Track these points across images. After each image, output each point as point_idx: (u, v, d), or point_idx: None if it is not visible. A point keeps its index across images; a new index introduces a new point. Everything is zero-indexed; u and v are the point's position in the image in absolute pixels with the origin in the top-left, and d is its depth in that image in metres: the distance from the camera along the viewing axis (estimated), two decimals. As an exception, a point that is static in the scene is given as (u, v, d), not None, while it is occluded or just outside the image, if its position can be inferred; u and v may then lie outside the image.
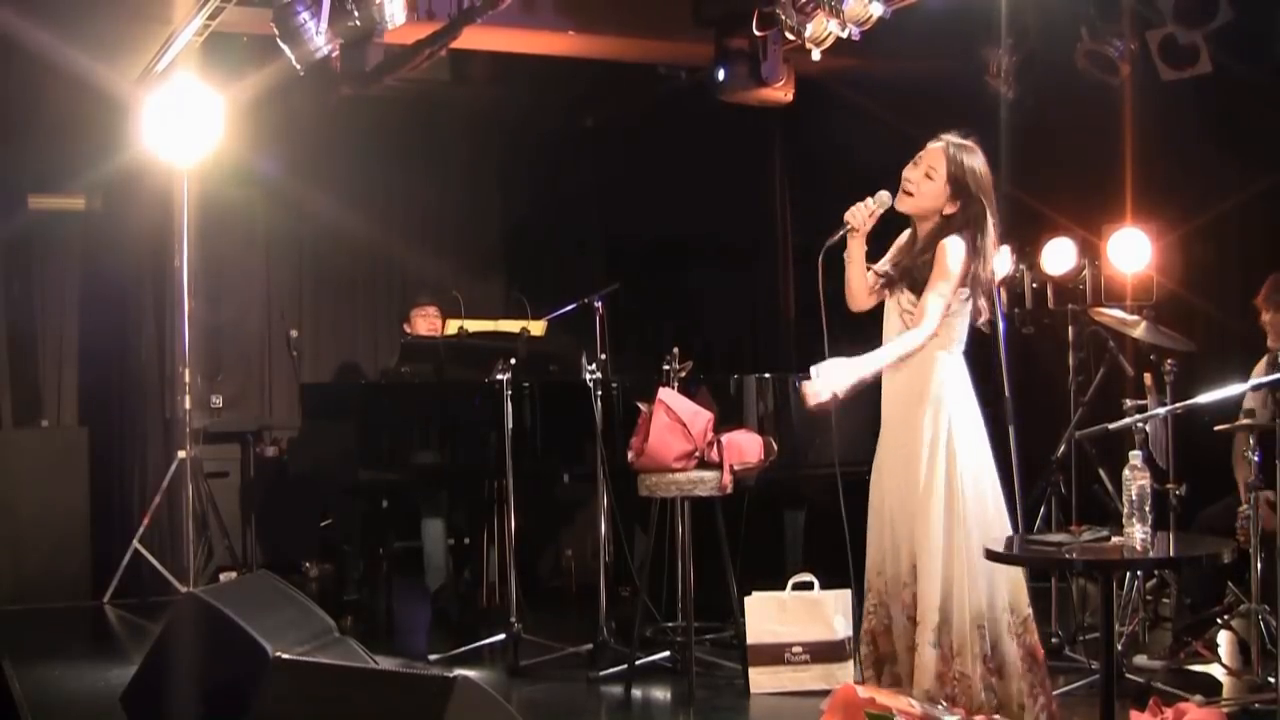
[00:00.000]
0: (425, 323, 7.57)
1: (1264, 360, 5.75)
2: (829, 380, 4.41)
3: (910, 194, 4.53)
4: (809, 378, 4.46)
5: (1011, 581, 4.43)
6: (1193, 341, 6.01)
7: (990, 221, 4.49)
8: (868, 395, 6.40)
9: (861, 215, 4.54)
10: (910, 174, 4.54)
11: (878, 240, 4.69)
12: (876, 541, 4.57)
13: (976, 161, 4.52)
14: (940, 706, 4.23)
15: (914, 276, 4.50)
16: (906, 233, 4.66)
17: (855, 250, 4.62)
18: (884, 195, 4.56)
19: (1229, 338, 6.68)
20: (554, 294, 6.99)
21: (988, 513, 4.43)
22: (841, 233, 4.56)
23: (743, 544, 6.26)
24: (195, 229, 7.83)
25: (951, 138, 4.53)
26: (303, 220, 8.99)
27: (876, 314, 4.69)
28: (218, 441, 8.42)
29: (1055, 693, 5.13)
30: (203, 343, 8.22)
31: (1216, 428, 5.27)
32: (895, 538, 4.48)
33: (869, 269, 4.65)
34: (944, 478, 4.40)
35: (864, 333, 4.74)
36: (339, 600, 7.31)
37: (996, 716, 4.36)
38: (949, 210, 4.49)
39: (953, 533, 4.35)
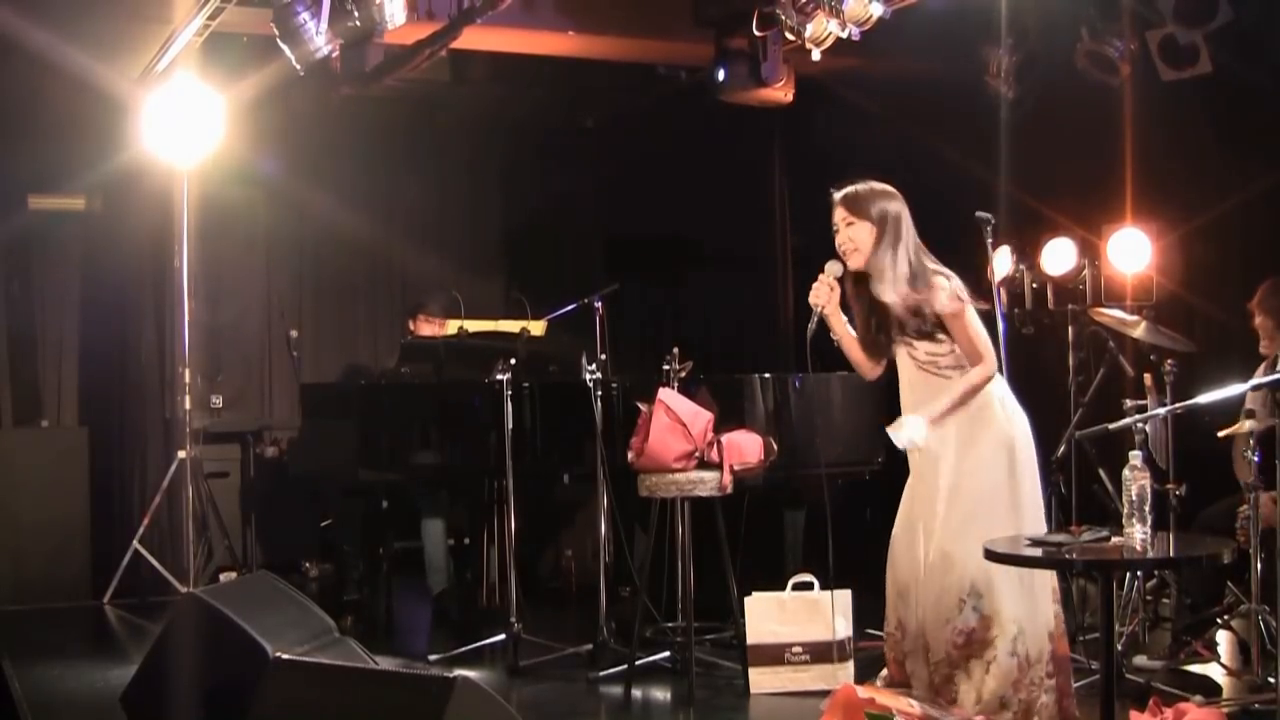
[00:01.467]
0: (430, 328, 7.58)
1: (1262, 366, 5.75)
2: (912, 433, 4.42)
3: (854, 250, 4.56)
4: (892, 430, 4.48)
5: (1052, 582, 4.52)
6: (1193, 342, 6.01)
7: (906, 220, 4.55)
8: (867, 397, 6.44)
9: (823, 292, 4.57)
10: (838, 239, 4.59)
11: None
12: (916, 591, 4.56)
13: (880, 196, 4.58)
14: (940, 706, 4.23)
15: (913, 326, 4.52)
16: (854, 298, 4.66)
17: (838, 327, 4.67)
18: (834, 264, 4.60)
19: (1229, 338, 6.68)
20: (554, 294, 6.99)
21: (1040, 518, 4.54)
22: (815, 317, 4.59)
23: (742, 544, 6.26)
24: (195, 229, 7.83)
25: (843, 187, 4.61)
26: (303, 220, 8.99)
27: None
28: (218, 442, 8.42)
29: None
30: (203, 343, 8.21)
31: (1220, 433, 5.27)
32: (955, 555, 4.46)
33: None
34: (1013, 490, 4.45)
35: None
36: (339, 600, 7.31)
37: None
38: (885, 240, 4.52)
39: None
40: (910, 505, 4.61)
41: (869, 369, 4.69)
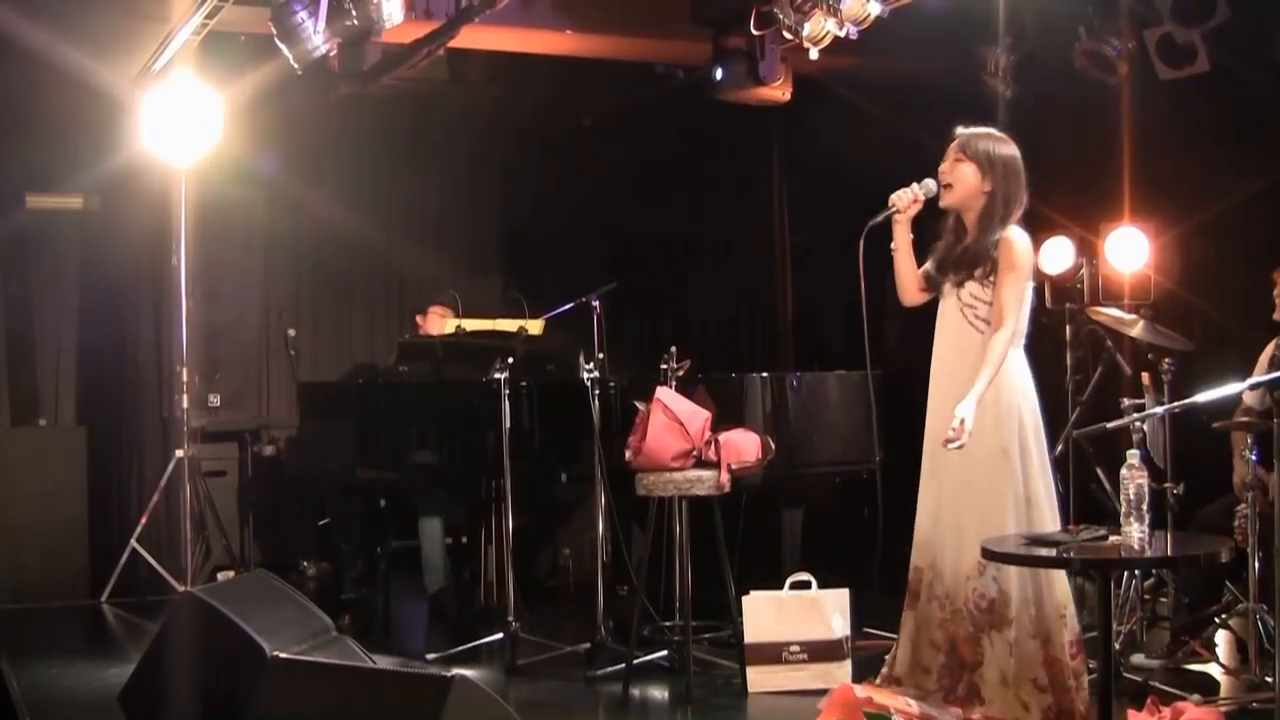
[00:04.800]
0: (440, 324, 7.57)
1: (1273, 342, 5.73)
2: (966, 421, 4.37)
3: (949, 185, 4.59)
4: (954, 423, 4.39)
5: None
6: (1190, 341, 6.01)
7: (1014, 170, 4.59)
8: (864, 396, 6.43)
9: (906, 198, 4.59)
10: (943, 168, 4.63)
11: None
12: (940, 542, 4.59)
13: (999, 144, 4.61)
14: (940, 705, 4.24)
15: (974, 265, 4.55)
16: (948, 230, 4.69)
17: (901, 238, 4.67)
18: (930, 183, 4.62)
19: (1227, 337, 6.69)
20: (552, 293, 6.99)
21: (1052, 504, 4.54)
22: (885, 214, 4.60)
23: (740, 543, 6.26)
24: (193, 228, 7.83)
25: (969, 128, 4.65)
26: (301, 219, 8.98)
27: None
28: (216, 441, 8.41)
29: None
30: (201, 342, 8.21)
31: (1215, 424, 5.27)
32: (964, 535, 4.50)
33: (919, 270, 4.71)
34: (1021, 474, 4.47)
35: (913, 322, 4.77)
36: (337, 599, 7.31)
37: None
38: (987, 188, 4.56)
39: (1037, 527, 4.43)
40: (931, 457, 4.63)
41: (911, 292, 4.72)
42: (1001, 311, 4.47)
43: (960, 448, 4.35)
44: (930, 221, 4.73)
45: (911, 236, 4.68)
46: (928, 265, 4.71)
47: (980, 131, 4.63)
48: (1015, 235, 4.53)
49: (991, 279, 4.51)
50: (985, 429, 4.44)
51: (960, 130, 4.65)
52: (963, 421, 4.34)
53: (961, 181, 4.58)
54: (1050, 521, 4.46)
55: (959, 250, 4.61)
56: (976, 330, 4.53)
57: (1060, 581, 4.49)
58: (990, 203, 4.55)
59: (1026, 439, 4.50)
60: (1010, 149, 4.61)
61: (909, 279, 4.70)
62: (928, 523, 4.62)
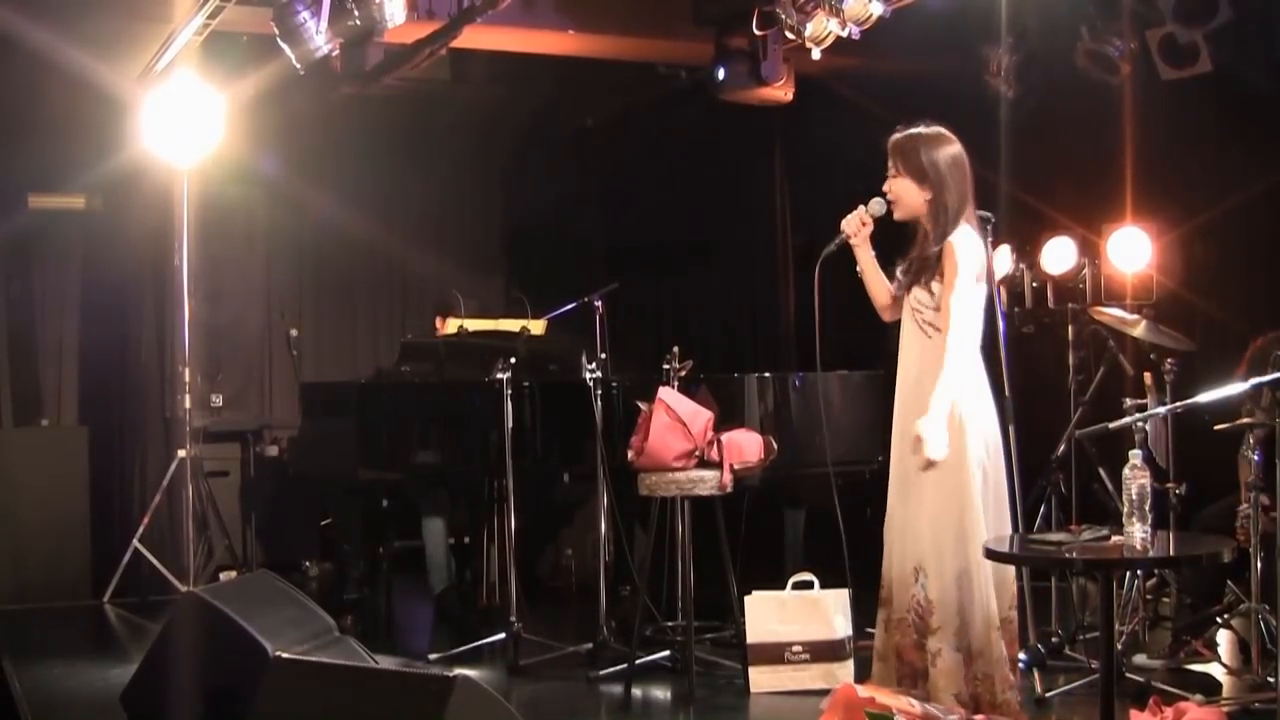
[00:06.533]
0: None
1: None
2: (937, 439, 4.27)
3: (894, 201, 4.53)
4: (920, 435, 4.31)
5: (1006, 581, 4.44)
6: (1192, 341, 6.01)
7: (969, 206, 4.48)
8: (866, 395, 6.44)
9: (854, 224, 4.53)
10: (886, 185, 4.54)
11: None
12: (888, 549, 4.56)
13: (933, 144, 4.48)
14: (941, 706, 4.23)
15: (919, 272, 4.48)
16: (915, 238, 4.65)
17: (864, 258, 4.61)
18: (878, 202, 4.54)
19: (1229, 337, 6.67)
20: (554, 293, 6.99)
21: (1003, 516, 4.45)
22: (837, 242, 4.56)
23: (742, 543, 6.26)
24: (195, 228, 7.83)
25: (899, 132, 4.53)
26: (303, 219, 8.99)
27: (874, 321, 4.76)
28: (218, 441, 8.42)
29: (1055, 692, 5.17)
30: (203, 342, 8.21)
31: (1217, 427, 5.27)
32: (904, 543, 4.46)
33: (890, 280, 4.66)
34: (955, 480, 4.34)
35: (863, 340, 4.75)
36: (339, 599, 7.31)
37: (996, 718, 4.37)
38: (927, 195, 4.45)
39: (971, 537, 4.31)
40: (897, 460, 4.56)
41: (887, 308, 4.65)
42: (946, 319, 4.36)
43: (931, 466, 4.28)
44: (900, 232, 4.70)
45: (873, 253, 4.62)
46: (898, 273, 4.65)
47: (911, 135, 4.50)
48: (957, 241, 4.40)
49: (933, 284, 4.42)
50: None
51: (892, 139, 4.53)
52: (917, 438, 4.28)
53: (901, 196, 4.49)
54: (986, 528, 4.34)
55: (912, 257, 4.55)
56: (925, 334, 4.45)
57: (989, 596, 4.35)
58: (933, 209, 4.45)
59: (964, 445, 4.36)
60: (946, 149, 4.47)
61: (882, 297, 4.64)
62: (887, 530, 4.58)
